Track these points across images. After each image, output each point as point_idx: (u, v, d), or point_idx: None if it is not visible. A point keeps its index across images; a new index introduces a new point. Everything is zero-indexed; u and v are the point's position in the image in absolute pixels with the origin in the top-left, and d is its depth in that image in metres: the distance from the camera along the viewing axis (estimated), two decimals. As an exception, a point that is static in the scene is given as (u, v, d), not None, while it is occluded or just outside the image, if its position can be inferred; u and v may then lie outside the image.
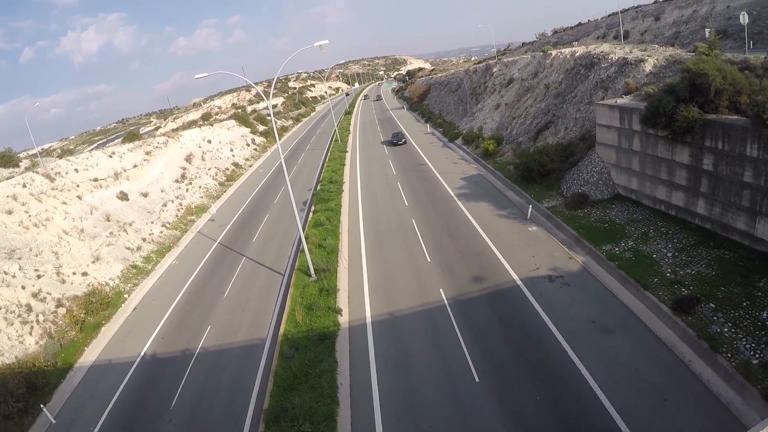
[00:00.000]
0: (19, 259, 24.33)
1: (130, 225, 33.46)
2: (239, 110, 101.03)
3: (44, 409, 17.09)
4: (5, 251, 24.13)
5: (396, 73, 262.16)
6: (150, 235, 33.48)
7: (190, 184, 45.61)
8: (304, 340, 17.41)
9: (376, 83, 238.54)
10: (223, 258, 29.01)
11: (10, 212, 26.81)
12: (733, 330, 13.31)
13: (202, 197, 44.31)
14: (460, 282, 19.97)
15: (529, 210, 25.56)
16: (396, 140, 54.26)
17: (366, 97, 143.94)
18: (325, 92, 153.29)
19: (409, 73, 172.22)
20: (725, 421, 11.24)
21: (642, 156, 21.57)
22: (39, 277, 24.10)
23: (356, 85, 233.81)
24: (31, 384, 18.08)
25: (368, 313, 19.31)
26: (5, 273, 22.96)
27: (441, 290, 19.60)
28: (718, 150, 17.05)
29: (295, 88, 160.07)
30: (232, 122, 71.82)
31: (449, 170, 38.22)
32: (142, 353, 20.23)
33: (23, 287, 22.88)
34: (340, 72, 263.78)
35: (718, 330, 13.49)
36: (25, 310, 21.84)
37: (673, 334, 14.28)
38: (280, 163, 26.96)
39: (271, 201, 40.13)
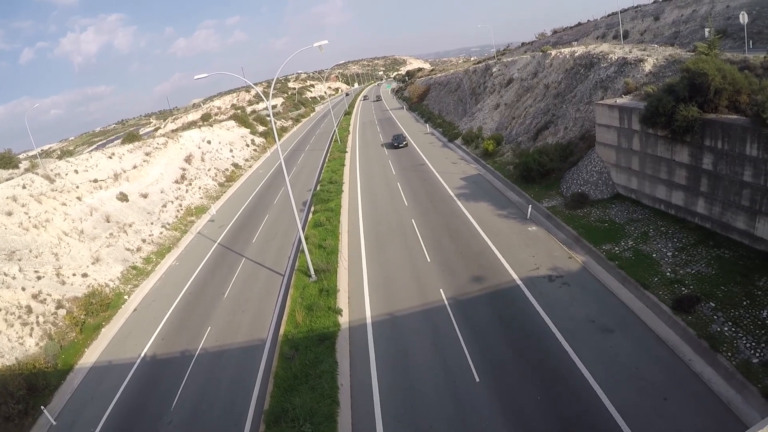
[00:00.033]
0: (19, 260, 24.32)
1: (130, 226, 33.46)
2: (239, 111, 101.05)
3: (45, 411, 17.08)
4: (5, 253, 24.13)
5: (395, 73, 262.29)
6: (150, 236, 33.48)
7: (190, 184, 45.61)
8: (305, 341, 17.41)
9: (376, 83, 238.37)
10: (223, 259, 29.01)
11: (9, 213, 26.81)
12: (733, 329, 13.31)
13: (201, 198, 44.31)
14: (460, 282, 19.97)
15: (529, 210, 25.57)
16: (397, 143, 51.75)
17: (365, 97, 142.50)
18: (325, 92, 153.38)
19: (408, 73, 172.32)
20: (725, 420, 11.24)
21: (642, 155, 21.58)
22: (39, 278, 24.09)
23: (356, 85, 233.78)
24: (32, 385, 18.07)
25: (368, 314, 19.31)
26: (5, 274, 22.95)
27: (441, 290, 19.60)
28: (718, 149, 17.06)
29: (294, 88, 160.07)
30: (232, 123, 71.83)
31: (449, 170, 38.22)
32: (142, 354, 20.23)
33: (23, 289, 22.87)
34: (339, 72, 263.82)
35: (718, 329, 13.50)
36: (25, 312, 21.84)
37: (673, 333, 14.28)
38: (280, 164, 26.97)
39: (271, 201, 40.13)
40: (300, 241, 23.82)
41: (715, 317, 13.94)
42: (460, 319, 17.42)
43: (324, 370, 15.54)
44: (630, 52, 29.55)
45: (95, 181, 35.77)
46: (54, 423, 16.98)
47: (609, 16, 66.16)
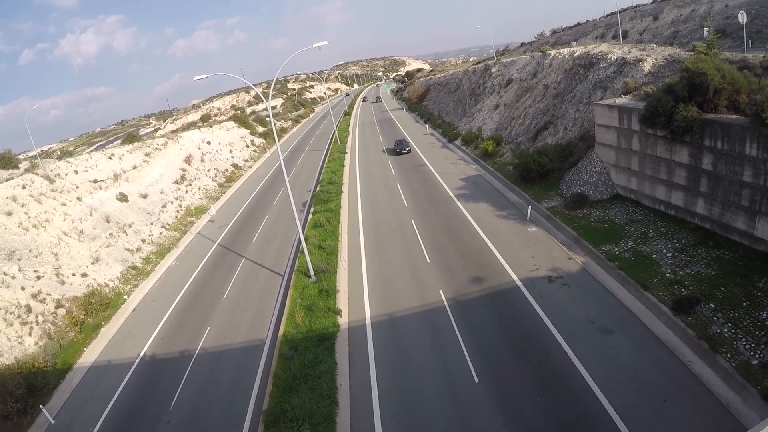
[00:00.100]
0: (19, 260, 24.31)
1: (130, 226, 33.45)
2: (238, 111, 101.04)
3: (43, 410, 17.07)
4: (5, 252, 24.11)
5: (395, 73, 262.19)
6: (149, 236, 33.47)
7: (190, 185, 45.60)
8: (304, 341, 17.39)
9: (375, 84, 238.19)
10: (223, 259, 29.00)
11: (9, 213, 26.80)
12: (732, 330, 13.29)
13: (201, 198, 44.30)
14: (460, 283, 19.96)
15: (529, 210, 25.56)
16: (399, 149, 48.39)
17: (365, 99, 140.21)
18: (324, 93, 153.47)
19: (408, 73, 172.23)
20: (725, 422, 11.21)
21: (641, 156, 21.57)
22: (38, 278, 24.08)
23: (355, 86, 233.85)
24: (31, 384, 18.05)
25: (368, 314, 19.29)
26: (5, 274, 22.94)
27: (440, 291, 19.58)
28: (717, 149, 17.05)
29: (294, 89, 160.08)
30: (232, 123, 71.83)
31: (449, 171, 38.21)
32: (141, 354, 20.21)
33: (23, 288, 22.86)
34: (339, 73, 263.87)
35: (718, 330, 13.47)
36: (24, 311, 21.82)
37: (673, 334, 14.26)
38: (280, 165, 26.95)
39: (271, 202, 40.12)
40: (300, 241, 23.80)
41: (715, 318, 13.92)
42: (459, 319, 17.40)
43: (323, 370, 15.52)
44: (629, 52, 29.55)
45: (95, 181, 35.76)
46: (53, 422, 16.97)
47: (608, 16, 66.18)
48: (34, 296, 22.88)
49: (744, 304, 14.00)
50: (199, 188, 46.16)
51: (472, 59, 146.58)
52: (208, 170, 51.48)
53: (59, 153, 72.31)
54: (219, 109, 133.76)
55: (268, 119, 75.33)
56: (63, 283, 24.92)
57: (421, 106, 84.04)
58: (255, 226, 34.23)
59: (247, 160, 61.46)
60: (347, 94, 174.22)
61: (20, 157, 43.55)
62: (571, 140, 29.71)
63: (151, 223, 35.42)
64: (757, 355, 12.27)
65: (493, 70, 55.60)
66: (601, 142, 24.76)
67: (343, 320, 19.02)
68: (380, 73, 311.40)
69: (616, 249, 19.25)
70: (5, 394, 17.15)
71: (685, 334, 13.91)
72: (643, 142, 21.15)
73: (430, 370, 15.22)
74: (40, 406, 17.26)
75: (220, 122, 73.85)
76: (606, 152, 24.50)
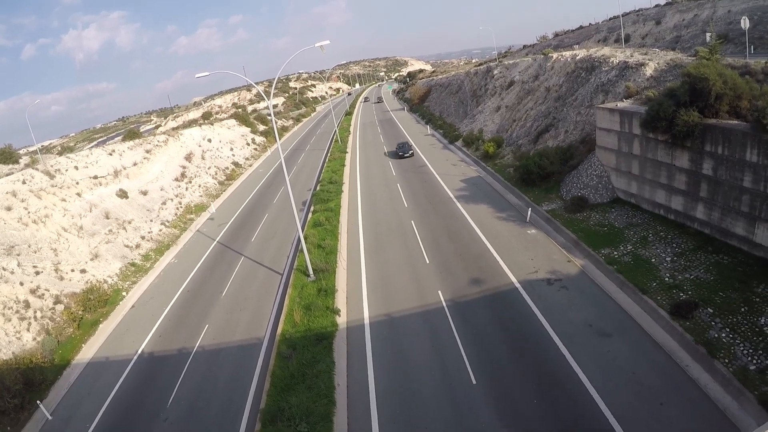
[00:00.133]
0: (18, 255, 24.30)
1: (129, 223, 33.44)
2: (240, 109, 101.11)
3: (41, 406, 17.07)
4: (4, 247, 24.11)
5: (397, 74, 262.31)
6: (149, 233, 33.46)
7: (190, 182, 45.61)
8: (302, 340, 17.40)
9: (377, 84, 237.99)
10: (222, 257, 29.00)
11: (9, 209, 26.80)
12: (730, 335, 13.31)
13: (201, 196, 44.30)
14: (459, 284, 19.97)
15: (529, 213, 25.58)
16: (402, 152, 46.73)
17: (366, 99, 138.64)
18: (326, 93, 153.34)
19: (409, 74, 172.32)
20: (722, 427, 11.24)
21: (642, 160, 21.59)
22: (37, 273, 24.07)
23: (357, 85, 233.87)
24: (28, 380, 18.04)
25: (366, 314, 19.30)
26: (3, 269, 22.93)
27: (439, 292, 19.59)
28: (718, 155, 17.07)
29: (295, 88, 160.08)
30: (233, 121, 71.84)
31: (449, 172, 38.23)
32: (139, 351, 20.21)
33: (21, 283, 22.85)
34: (340, 72, 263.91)
35: (716, 335, 13.49)
36: (23, 307, 21.82)
37: (671, 338, 14.28)
38: (280, 163, 26.98)
39: (271, 200, 40.12)
40: (299, 240, 23.81)
41: (713, 323, 13.94)
42: (458, 321, 17.41)
43: (321, 369, 15.54)
44: (631, 56, 29.56)
45: (95, 177, 35.75)
46: (50, 418, 16.97)
47: (611, 19, 66.31)
48: (33, 292, 22.88)
49: (742, 309, 14.02)
50: (199, 186, 46.16)
51: (474, 61, 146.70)
52: (209, 168, 51.48)
53: (60, 148, 72.23)
54: (220, 106, 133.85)
55: (269, 117, 75.32)
56: (62, 278, 24.91)
57: (422, 107, 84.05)
58: (255, 224, 34.24)
59: (247, 158, 61.47)
60: (349, 93, 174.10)
61: (21, 152, 43.54)
62: (572, 143, 29.74)
63: (151, 220, 35.42)
64: (754, 361, 12.29)
65: (495, 71, 55.64)
66: (602, 146, 24.79)
67: (342, 320, 19.03)
68: (382, 74, 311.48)
69: (616, 252, 19.27)
70: (2, 390, 17.12)
71: (683, 339, 13.93)
72: (644, 146, 21.17)
73: (428, 370, 15.24)
74: (38, 401, 17.27)
75: (221, 120, 73.91)
76: (607, 156, 24.52)
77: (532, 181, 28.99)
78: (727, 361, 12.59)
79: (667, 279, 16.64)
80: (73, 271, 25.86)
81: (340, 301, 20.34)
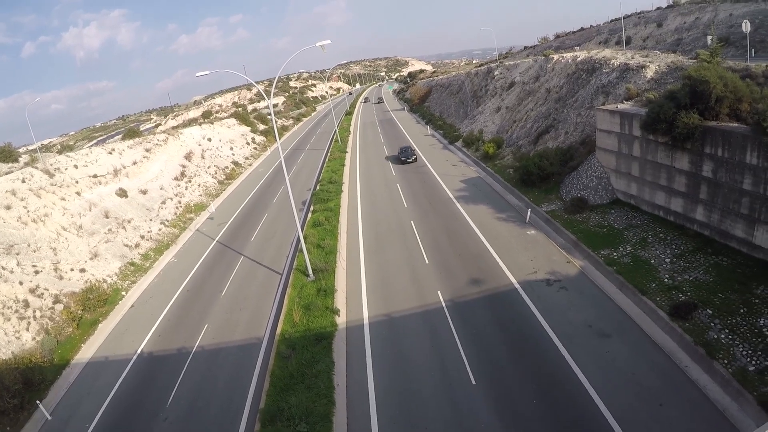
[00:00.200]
0: (17, 254, 24.28)
1: (129, 222, 33.42)
2: (240, 109, 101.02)
3: (40, 406, 17.06)
4: (3, 247, 24.09)
5: (397, 74, 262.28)
6: (148, 232, 33.45)
7: (190, 182, 45.58)
8: (302, 340, 17.40)
9: (377, 84, 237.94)
10: (222, 256, 28.99)
11: (8, 207, 26.78)
12: (729, 336, 13.34)
13: (201, 195, 44.28)
14: (458, 284, 19.98)
15: (528, 213, 25.60)
16: (405, 157, 43.93)
17: (366, 100, 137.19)
18: (326, 92, 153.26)
19: (410, 74, 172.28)
20: (721, 427, 11.26)
21: (642, 161, 21.62)
22: (37, 272, 24.05)
23: (357, 85, 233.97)
24: (27, 380, 18.02)
25: (366, 314, 19.31)
26: (3, 268, 22.91)
27: (439, 292, 19.61)
28: (718, 157, 17.10)
29: (296, 87, 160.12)
30: (233, 121, 71.82)
31: (449, 172, 38.25)
32: (138, 351, 20.20)
33: (21, 283, 22.84)
34: (341, 72, 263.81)
35: (715, 336, 13.52)
36: (22, 306, 21.80)
37: (670, 339, 14.30)
38: (280, 163, 26.97)
39: (270, 200, 40.12)
40: (299, 240, 23.81)
41: (712, 324, 13.96)
42: (457, 321, 17.43)
43: (320, 369, 15.54)
44: (632, 58, 29.60)
45: (95, 176, 35.74)
46: (49, 418, 16.95)
47: (612, 21, 66.31)
48: (32, 291, 22.86)
49: (741, 310, 14.05)
50: (199, 185, 46.14)
51: (474, 61, 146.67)
52: (208, 167, 51.46)
53: (59, 147, 72.05)
54: (220, 106, 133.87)
55: (269, 117, 75.32)
56: (61, 278, 24.90)
57: (422, 107, 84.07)
58: (254, 224, 34.23)
59: (247, 158, 61.44)
60: (349, 93, 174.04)
61: (20, 150, 43.49)
62: (572, 144, 29.77)
63: (150, 220, 35.40)
64: (753, 362, 12.32)
65: (496, 72, 55.67)
66: (602, 147, 24.82)
67: (341, 320, 19.04)
68: (383, 74, 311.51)
69: (615, 253, 19.30)
70: (2, 390, 17.09)
71: (682, 340, 13.95)
72: (644, 148, 21.20)
73: (427, 371, 15.24)
74: (37, 401, 17.25)
75: (221, 119, 73.89)
76: (606, 157, 24.55)
77: (532, 181, 29.02)
78: (726, 362, 12.62)
79: (666, 280, 16.67)
80: (72, 270, 25.85)
81: (340, 301, 20.34)
